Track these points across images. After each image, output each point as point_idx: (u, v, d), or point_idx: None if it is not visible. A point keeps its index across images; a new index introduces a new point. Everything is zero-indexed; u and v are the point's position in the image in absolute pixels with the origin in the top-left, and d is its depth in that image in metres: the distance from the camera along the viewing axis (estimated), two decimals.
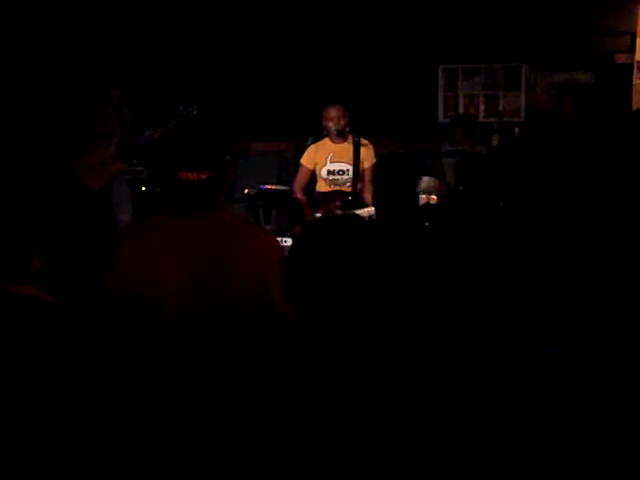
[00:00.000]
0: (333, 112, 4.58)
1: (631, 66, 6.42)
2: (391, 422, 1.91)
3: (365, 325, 2.09)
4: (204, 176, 1.96)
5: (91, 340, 1.74)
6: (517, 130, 6.91)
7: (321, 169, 4.66)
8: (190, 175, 1.95)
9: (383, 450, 1.93)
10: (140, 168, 5.81)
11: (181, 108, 4.61)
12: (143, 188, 5.81)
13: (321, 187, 4.69)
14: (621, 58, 6.63)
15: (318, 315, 1.67)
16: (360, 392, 1.71)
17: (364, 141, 4.45)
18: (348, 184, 4.52)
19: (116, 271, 1.93)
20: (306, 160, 4.74)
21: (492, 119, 7.01)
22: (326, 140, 4.69)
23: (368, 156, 4.52)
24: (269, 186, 4.99)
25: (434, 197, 4.43)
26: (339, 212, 4.26)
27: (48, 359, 1.63)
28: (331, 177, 4.64)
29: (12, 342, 1.61)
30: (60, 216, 2.00)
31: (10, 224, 1.74)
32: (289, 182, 5.35)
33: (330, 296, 1.64)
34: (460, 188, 5.05)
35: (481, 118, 7.09)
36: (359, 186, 4.42)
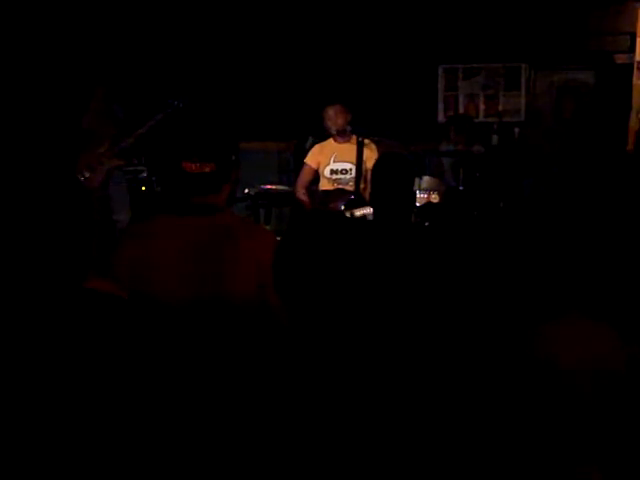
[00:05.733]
0: (332, 111, 4.65)
1: (631, 66, 6.41)
2: (390, 421, 1.91)
3: (358, 323, 2.09)
4: (207, 169, 1.94)
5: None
6: (517, 130, 6.90)
7: (324, 168, 4.70)
8: (193, 166, 1.94)
9: (383, 449, 1.92)
10: (140, 168, 5.80)
11: (170, 101, 4.59)
12: (143, 188, 5.80)
13: (324, 186, 4.73)
14: (621, 58, 6.61)
15: (310, 313, 1.67)
16: (354, 390, 1.71)
17: (367, 141, 4.51)
18: (351, 183, 4.56)
19: (117, 271, 1.93)
20: (310, 159, 4.78)
21: (492, 119, 7.01)
22: (330, 140, 4.75)
23: (371, 156, 4.54)
24: (269, 186, 5.01)
25: (435, 196, 4.43)
26: (342, 209, 4.29)
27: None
28: (334, 176, 4.67)
29: (86, 341, 1.58)
30: (61, 214, 1.99)
31: (72, 218, 1.71)
32: (289, 182, 5.36)
33: (321, 294, 1.64)
34: (460, 188, 5.05)
35: (481, 118, 7.08)
36: (362, 185, 4.47)
